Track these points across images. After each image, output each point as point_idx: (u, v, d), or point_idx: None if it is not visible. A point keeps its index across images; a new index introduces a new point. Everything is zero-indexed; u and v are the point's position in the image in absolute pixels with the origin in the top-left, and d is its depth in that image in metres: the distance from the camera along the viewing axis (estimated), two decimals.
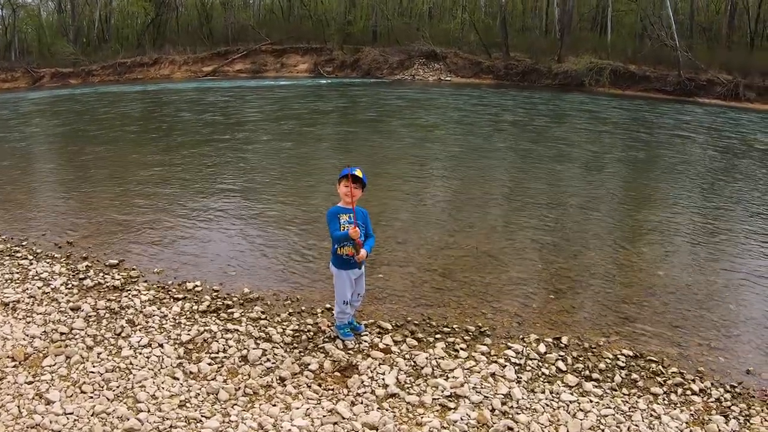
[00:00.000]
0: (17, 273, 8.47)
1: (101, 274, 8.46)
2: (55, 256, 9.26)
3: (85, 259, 9.13)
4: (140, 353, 6.22)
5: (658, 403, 5.95)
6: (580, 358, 6.70)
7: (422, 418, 5.35)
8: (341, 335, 6.69)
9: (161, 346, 6.38)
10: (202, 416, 5.21)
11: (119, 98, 32.11)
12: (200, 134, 20.58)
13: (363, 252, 6.25)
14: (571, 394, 5.94)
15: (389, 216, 11.52)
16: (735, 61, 37.57)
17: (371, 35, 52.08)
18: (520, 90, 37.98)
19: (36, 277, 8.29)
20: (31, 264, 8.85)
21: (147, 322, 6.95)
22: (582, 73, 39.23)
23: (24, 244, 9.86)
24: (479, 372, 6.18)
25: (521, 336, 7.09)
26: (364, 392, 5.70)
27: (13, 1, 55.38)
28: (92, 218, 11.15)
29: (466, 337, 6.97)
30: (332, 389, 5.76)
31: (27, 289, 7.85)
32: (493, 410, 5.52)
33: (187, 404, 5.40)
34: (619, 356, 6.78)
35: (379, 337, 6.80)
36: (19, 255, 9.28)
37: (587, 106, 31.51)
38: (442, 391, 5.76)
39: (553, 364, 6.50)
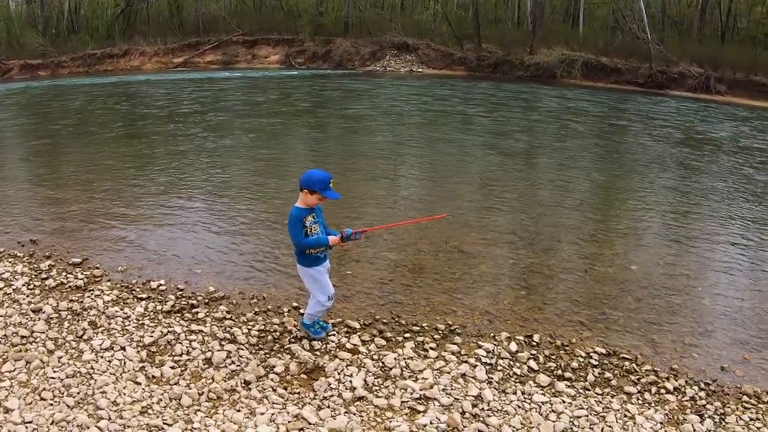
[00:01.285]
0: None
1: (64, 274, 8.22)
2: (18, 255, 9.00)
3: (48, 257, 8.89)
4: (102, 357, 6.03)
5: (632, 403, 5.89)
6: (553, 357, 6.62)
7: (390, 422, 5.23)
8: (313, 333, 6.53)
9: (123, 349, 6.20)
10: (164, 423, 5.05)
11: (80, 91, 31.53)
12: (162, 128, 20.09)
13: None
14: (544, 394, 5.86)
15: (357, 211, 11.37)
16: (706, 54, 37.79)
17: (343, 26, 51.81)
18: (492, 82, 37.87)
19: None
20: None
21: (109, 323, 6.75)
22: (554, 65, 39.28)
23: None
24: (449, 373, 6.07)
25: (492, 334, 7.00)
26: (331, 395, 5.57)
27: None
28: (56, 215, 10.89)
29: (436, 336, 6.86)
30: (298, 393, 5.62)
31: None
32: (463, 413, 5.42)
33: (149, 410, 5.24)
34: (592, 354, 6.71)
35: (346, 337, 6.67)
36: None
37: (557, 97, 31.51)
38: (411, 394, 5.64)
39: (525, 364, 6.42)
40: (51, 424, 4.97)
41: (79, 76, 41.15)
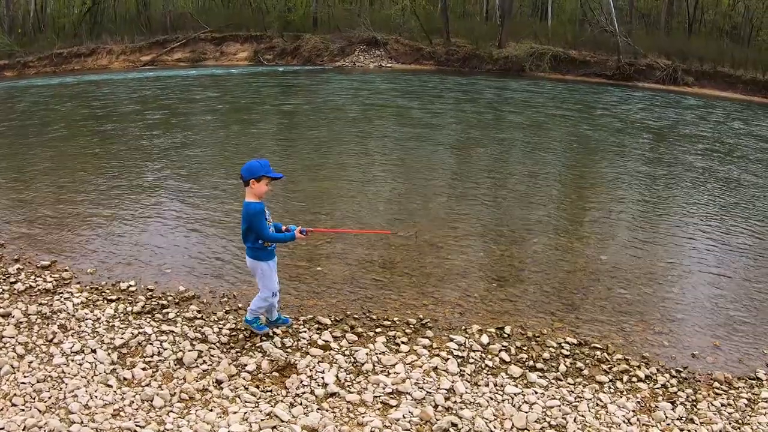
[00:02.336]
0: None
1: (33, 277, 8.11)
2: None
3: (16, 261, 8.77)
4: (72, 360, 5.98)
5: (604, 392, 5.96)
6: (524, 348, 6.67)
7: (363, 417, 5.24)
8: (256, 329, 6.57)
9: (94, 351, 6.15)
10: (136, 426, 5.02)
11: (44, 92, 31.07)
12: (131, 131, 19.72)
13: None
14: (516, 386, 5.91)
15: (328, 206, 11.36)
16: (673, 46, 38.08)
17: (312, 22, 51.58)
18: (461, 76, 37.87)
19: None
20: None
21: (80, 326, 6.69)
22: (523, 59, 39.31)
23: None
24: (421, 366, 6.10)
25: (463, 327, 7.04)
26: (303, 392, 5.58)
27: None
28: (24, 217, 10.73)
29: (408, 330, 6.90)
30: (270, 391, 5.61)
31: None
32: (436, 406, 5.45)
33: (121, 413, 5.20)
34: (563, 344, 6.78)
35: (318, 333, 6.68)
36: None
37: (523, 91, 31.51)
38: (384, 389, 5.67)
39: (497, 355, 6.47)
40: (23, 430, 4.91)
41: (46, 76, 40.58)
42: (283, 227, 6.34)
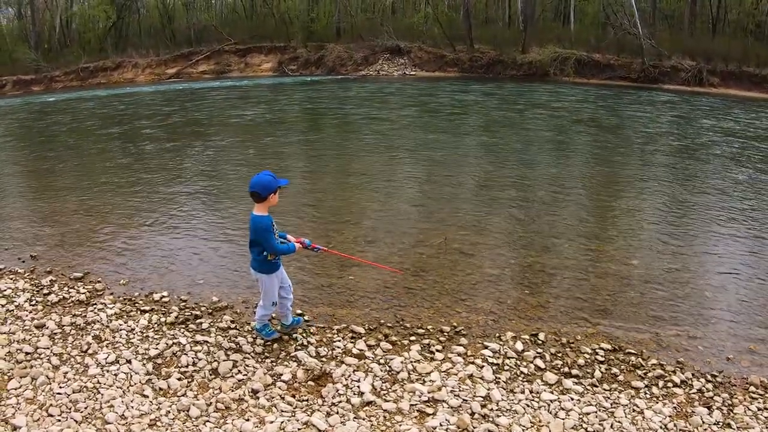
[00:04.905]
0: None
1: (66, 288, 8.20)
2: (19, 271, 8.97)
3: (49, 273, 8.86)
4: (108, 371, 6.03)
5: (640, 398, 5.90)
6: (559, 355, 6.63)
7: (400, 426, 5.23)
8: (265, 335, 6.65)
9: (129, 362, 6.19)
10: None
11: (76, 105, 31.49)
12: (158, 141, 19.99)
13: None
14: (552, 392, 5.87)
15: (358, 215, 11.37)
16: (698, 47, 37.76)
17: (335, 32, 51.76)
18: (485, 82, 37.83)
19: None
20: None
21: (114, 337, 6.74)
22: (546, 64, 39.23)
23: None
24: (456, 374, 6.08)
25: (497, 334, 7.00)
26: (340, 401, 5.58)
27: None
28: (56, 230, 10.85)
29: (442, 338, 6.87)
30: (306, 400, 5.62)
31: None
32: (472, 414, 5.43)
33: (158, 423, 5.23)
34: (597, 350, 6.72)
35: (352, 342, 6.68)
36: None
37: (547, 96, 31.45)
38: (420, 397, 5.65)
39: (532, 362, 6.43)
40: None
41: (73, 90, 41.02)
42: (293, 239, 6.50)
